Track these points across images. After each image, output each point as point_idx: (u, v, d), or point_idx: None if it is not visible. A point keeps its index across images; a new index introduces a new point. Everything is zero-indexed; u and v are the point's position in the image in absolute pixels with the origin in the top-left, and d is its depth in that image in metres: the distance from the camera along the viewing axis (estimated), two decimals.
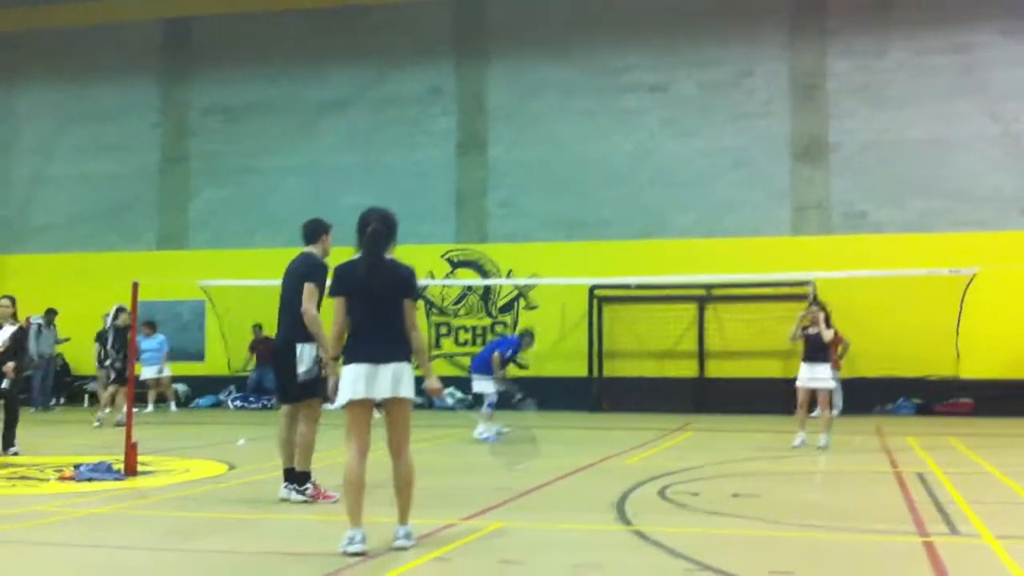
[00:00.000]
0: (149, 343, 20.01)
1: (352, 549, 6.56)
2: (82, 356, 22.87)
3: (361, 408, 6.85)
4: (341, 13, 23.89)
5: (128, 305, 17.66)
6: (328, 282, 7.99)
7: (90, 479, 10.11)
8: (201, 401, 22.94)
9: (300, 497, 8.78)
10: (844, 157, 21.29)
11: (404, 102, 23.45)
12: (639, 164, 22.17)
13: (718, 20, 22.16)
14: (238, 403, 22.52)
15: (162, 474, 10.81)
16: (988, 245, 19.77)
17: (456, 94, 23.28)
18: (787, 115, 21.64)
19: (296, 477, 8.85)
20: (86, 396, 23.05)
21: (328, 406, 7.31)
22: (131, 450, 10.55)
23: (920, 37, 21.21)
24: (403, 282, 7.00)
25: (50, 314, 21.53)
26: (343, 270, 7.03)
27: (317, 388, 8.57)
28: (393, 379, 6.78)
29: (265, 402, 22.58)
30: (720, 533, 7.61)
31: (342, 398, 6.82)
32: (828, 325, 13.88)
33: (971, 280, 18.45)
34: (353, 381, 6.78)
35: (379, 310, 6.88)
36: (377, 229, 6.94)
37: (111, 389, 17.83)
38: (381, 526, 7.00)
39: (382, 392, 6.79)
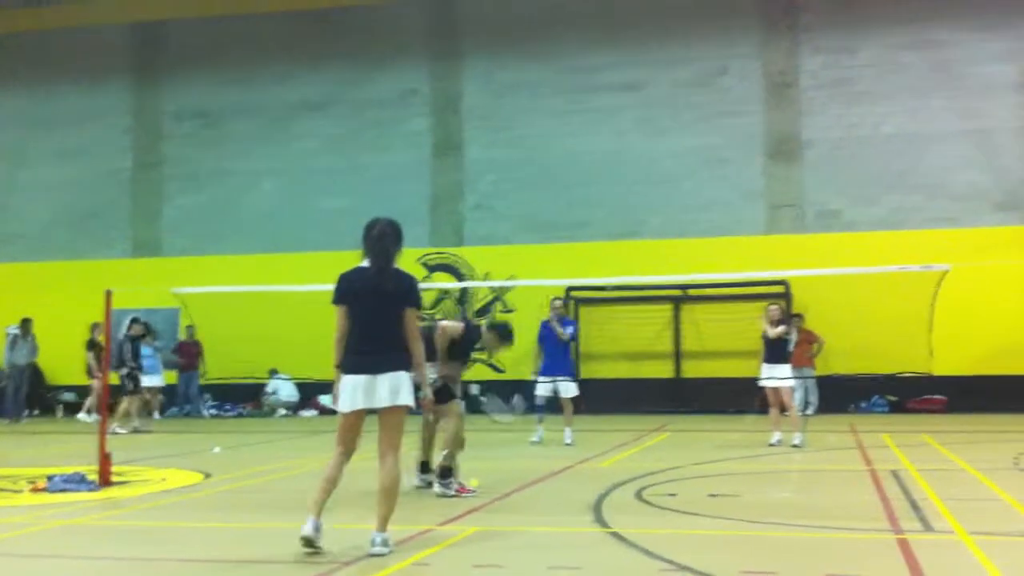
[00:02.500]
0: (145, 351, 19.79)
1: (304, 531, 6.66)
2: (58, 366, 22.68)
3: (356, 417, 6.92)
4: (315, 16, 23.80)
5: (141, 318, 17.84)
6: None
7: (63, 490, 10.00)
8: (175, 409, 22.76)
9: (444, 490, 9.41)
10: (817, 155, 21.38)
11: (379, 104, 23.38)
12: (614, 164, 22.18)
13: (691, 19, 22.22)
14: (212, 411, 22.39)
15: (137, 484, 10.72)
16: (960, 241, 19.90)
17: (431, 96, 23.23)
18: (760, 113, 21.71)
19: (441, 471, 9.59)
20: (59, 407, 22.78)
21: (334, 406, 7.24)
22: (105, 460, 10.47)
23: (892, 34, 21.33)
24: (406, 290, 7.05)
25: (26, 324, 21.25)
26: (347, 277, 7.05)
27: (444, 394, 9.61)
28: (391, 389, 6.83)
29: (240, 410, 22.48)
30: (697, 533, 7.63)
31: (342, 407, 6.88)
32: (780, 324, 14.02)
33: (943, 277, 18.51)
34: (352, 392, 6.84)
35: (381, 318, 6.91)
36: (385, 232, 6.99)
37: (127, 400, 17.77)
38: (358, 532, 6.97)
39: (380, 403, 6.85)
